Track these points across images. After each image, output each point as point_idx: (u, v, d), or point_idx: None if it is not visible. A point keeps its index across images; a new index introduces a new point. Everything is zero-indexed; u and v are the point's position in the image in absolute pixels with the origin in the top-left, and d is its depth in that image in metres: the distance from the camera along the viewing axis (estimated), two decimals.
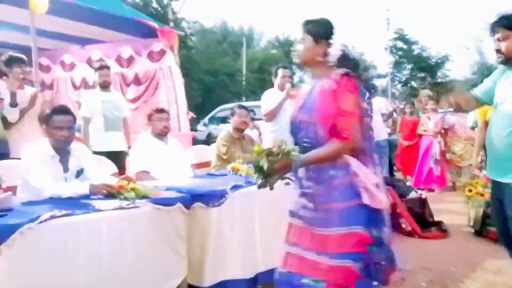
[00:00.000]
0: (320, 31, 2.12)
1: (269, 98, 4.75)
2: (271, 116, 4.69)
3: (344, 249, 1.94)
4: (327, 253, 1.95)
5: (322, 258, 1.96)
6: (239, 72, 24.07)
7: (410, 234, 4.62)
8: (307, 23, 2.15)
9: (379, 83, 32.10)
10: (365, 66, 35.03)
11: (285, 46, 29.17)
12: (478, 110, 3.79)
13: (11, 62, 3.95)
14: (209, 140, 10.44)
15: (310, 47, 2.13)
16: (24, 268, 1.88)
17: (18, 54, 4.08)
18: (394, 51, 30.59)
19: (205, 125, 13.22)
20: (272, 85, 4.93)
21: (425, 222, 4.80)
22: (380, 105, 7.08)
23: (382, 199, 1.98)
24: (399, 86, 32.40)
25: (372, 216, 1.98)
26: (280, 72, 4.80)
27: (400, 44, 30.75)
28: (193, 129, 9.31)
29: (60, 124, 2.75)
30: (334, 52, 2.08)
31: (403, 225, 4.65)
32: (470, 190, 4.65)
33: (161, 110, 3.96)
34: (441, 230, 4.78)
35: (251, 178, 3.21)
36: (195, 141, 7.65)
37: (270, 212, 3.06)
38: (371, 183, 1.97)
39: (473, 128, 6.13)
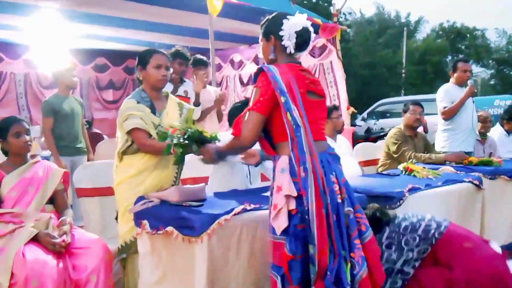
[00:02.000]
0: (267, 28, 2.11)
1: (447, 95, 4.33)
2: (451, 115, 4.26)
3: (272, 259, 1.87)
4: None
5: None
6: (399, 64, 22.85)
7: None
8: (261, 25, 2.15)
9: None
10: None
11: (451, 34, 26.81)
12: None
13: (197, 64, 4.33)
14: (368, 135, 10.19)
15: (264, 47, 2.14)
16: (218, 256, 2.04)
17: (202, 57, 4.45)
18: None
19: (364, 120, 12.92)
20: (439, 77, 4.56)
21: None
22: None
23: (281, 221, 1.82)
24: None
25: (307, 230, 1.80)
26: (460, 65, 4.39)
27: None
28: (352, 124, 9.17)
29: None
30: (288, 42, 2.04)
31: None
32: None
33: (337, 108, 3.98)
34: None
35: (431, 181, 3.04)
36: (355, 137, 7.53)
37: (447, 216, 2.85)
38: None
39: None
